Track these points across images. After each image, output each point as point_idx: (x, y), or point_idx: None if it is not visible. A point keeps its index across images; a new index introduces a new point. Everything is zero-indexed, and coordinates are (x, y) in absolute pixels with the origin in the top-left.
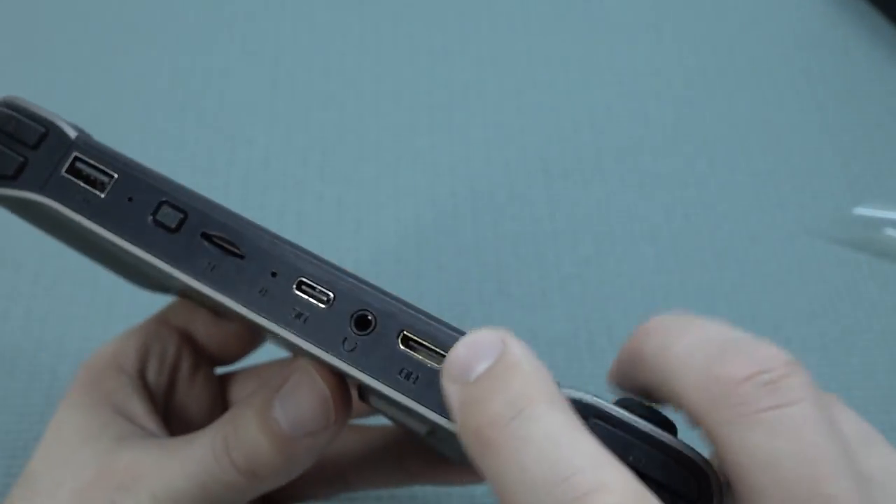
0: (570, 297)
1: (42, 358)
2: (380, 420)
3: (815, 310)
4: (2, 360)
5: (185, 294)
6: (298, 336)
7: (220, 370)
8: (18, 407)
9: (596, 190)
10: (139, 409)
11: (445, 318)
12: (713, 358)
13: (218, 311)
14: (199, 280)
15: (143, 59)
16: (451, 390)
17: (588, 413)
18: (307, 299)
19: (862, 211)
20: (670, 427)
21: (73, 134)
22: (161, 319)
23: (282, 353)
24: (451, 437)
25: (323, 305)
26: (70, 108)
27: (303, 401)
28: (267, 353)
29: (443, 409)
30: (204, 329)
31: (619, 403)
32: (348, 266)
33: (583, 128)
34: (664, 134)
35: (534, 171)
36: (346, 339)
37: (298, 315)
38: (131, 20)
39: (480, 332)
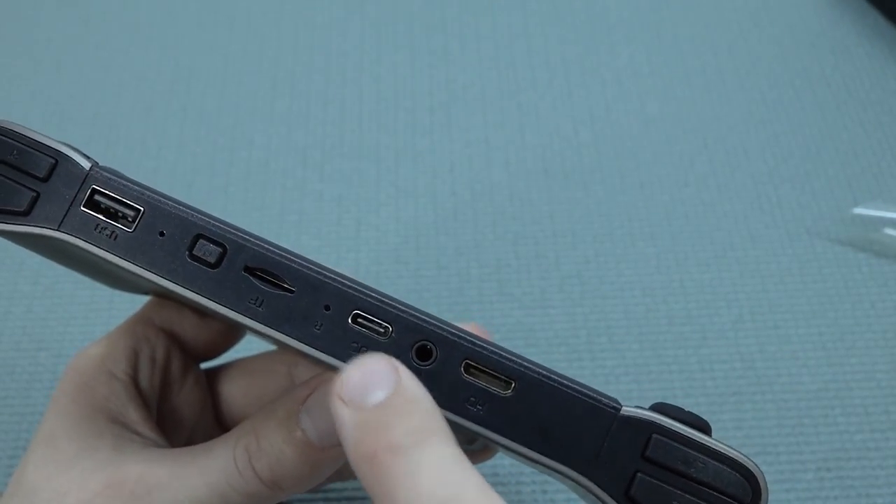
0: (570, 297)
1: (42, 358)
2: None
3: (815, 310)
4: (2, 360)
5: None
6: None
7: (203, 365)
8: (18, 407)
9: (596, 190)
10: (134, 416)
11: (445, 318)
12: None
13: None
14: (246, 316)
15: (143, 59)
16: (344, 412)
17: (650, 430)
18: (365, 332)
19: (862, 210)
20: (706, 427)
21: (86, 164)
22: (145, 320)
23: (264, 346)
24: (509, 450)
25: (381, 337)
26: (70, 109)
27: (332, 410)
28: (248, 345)
29: (512, 433)
30: (190, 328)
31: (659, 409)
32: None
33: (583, 128)
34: (664, 134)
35: (534, 171)
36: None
37: (358, 349)
38: (131, 20)
39: (373, 358)
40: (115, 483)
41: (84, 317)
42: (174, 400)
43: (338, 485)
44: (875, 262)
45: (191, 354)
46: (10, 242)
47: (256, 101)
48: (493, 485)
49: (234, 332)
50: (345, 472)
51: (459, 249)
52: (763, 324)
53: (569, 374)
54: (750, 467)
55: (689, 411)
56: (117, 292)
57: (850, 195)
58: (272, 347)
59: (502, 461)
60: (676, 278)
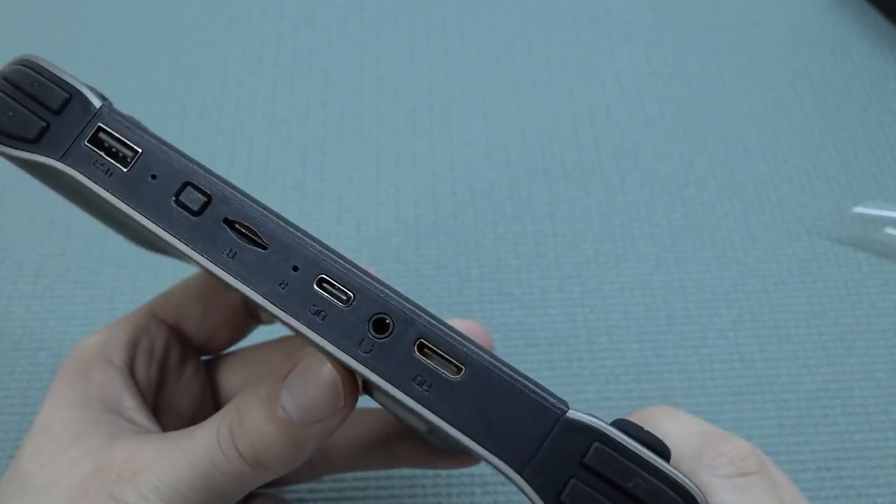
0: (570, 297)
1: (42, 358)
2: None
3: (815, 309)
4: (2, 360)
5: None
6: (315, 332)
7: (205, 357)
8: (19, 407)
9: (596, 190)
10: (130, 403)
11: (445, 318)
12: (706, 441)
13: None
14: (217, 266)
15: (143, 59)
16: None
17: (592, 437)
18: (327, 297)
19: (862, 210)
20: (664, 450)
21: (97, 103)
22: (149, 312)
23: (265, 337)
24: (448, 435)
25: (342, 304)
26: None
27: (311, 387)
28: (251, 340)
29: (453, 418)
30: (193, 322)
31: (617, 425)
32: None
33: (583, 128)
34: (664, 134)
35: (534, 171)
36: (363, 340)
37: (317, 311)
38: (131, 20)
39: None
40: (103, 466)
41: (84, 317)
42: (171, 391)
43: (337, 484)
44: (875, 262)
45: (193, 348)
46: (10, 244)
47: (256, 101)
48: (483, 494)
49: (240, 328)
50: (337, 464)
51: (459, 249)
52: (763, 324)
53: (569, 373)
54: (693, 492)
55: (648, 431)
56: (117, 292)
57: (850, 195)
58: (272, 337)
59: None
60: (676, 278)
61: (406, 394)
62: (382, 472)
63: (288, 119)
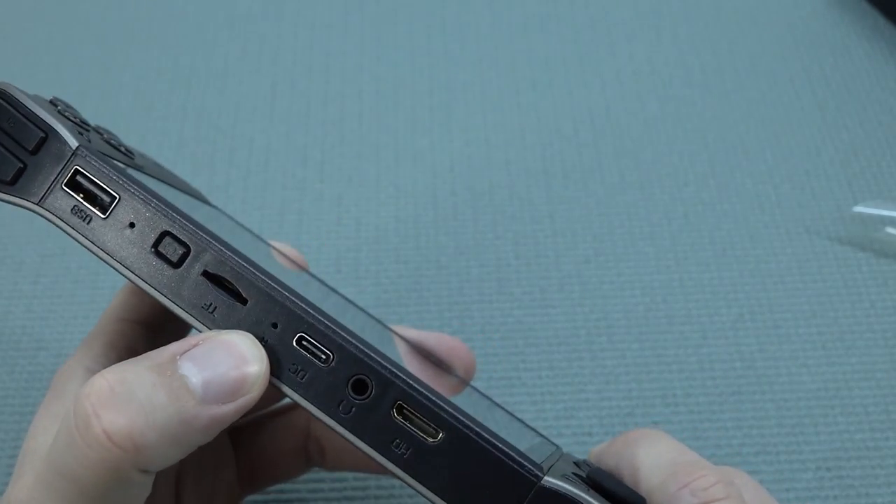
0: (570, 297)
1: (42, 358)
2: None
3: (815, 309)
4: (2, 360)
5: None
6: (296, 393)
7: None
8: (18, 407)
9: (596, 190)
10: None
11: (445, 318)
12: (671, 472)
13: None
14: (196, 318)
15: (143, 59)
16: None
17: None
18: (306, 356)
19: (862, 209)
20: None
21: (73, 144)
22: (115, 318)
23: None
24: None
25: (321, 364)
26: None
27: (225, 363)
28: None
29: (429, 482)
30: (161, 316)
31: (593, 477)
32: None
33: (583, 128)
34: (664, 134)
35: (534, 171)
36: (342, 401)
37: (296, 370)
38: (131, 20)
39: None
40: None
41: (84, 317)
42: None
43: (338, 484)
44: (875, 262)
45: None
46: (9, 242)
47: (256, 101)
48: None
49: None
50: (329, 460)
51: (459, 249)
52: (763, 323)
53: (569, 373)
54: None
55: (626, 486)
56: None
57: (849, 194)
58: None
59: None
60: (676, 278)
61: (385, 458)
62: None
63: (288, 119)
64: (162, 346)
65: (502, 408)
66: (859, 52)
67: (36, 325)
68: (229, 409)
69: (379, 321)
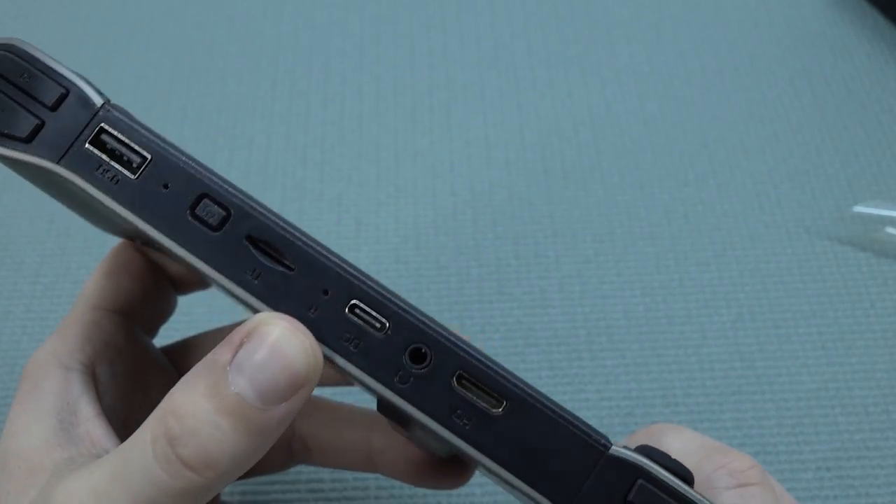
0: (570, 297)
1: None
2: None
3: (815, 309)
4: (2, 359)
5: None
6: (350, 363)
7: (169, 346)
8: None
9: (596, 190)
10: (87, 411)
11: (445, 318)
12: (705, 455)
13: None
14: (241, 287)
15: (143, 59)
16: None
17: (635, 474)
18: (360, 324)
19: (862, 209)
20: (690, 478)
21: (98, 100)
22: (92, 306)
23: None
24: (489, 471)
25: (376, 332)
26: None
27: (271, 361)
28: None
29: (495, 453)
30: (138, 304)
31: (646, 452)
32: None
33: (583, 128)
34: (664, 134)
35: (534, 171)
36: (400, 371)
37: (350, 339)
38: (131, 20)
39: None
40: None
41: None
42: (140, 384)
43: (338, 484)
44: (875, 262)
45: (143, 325)
46: (9, 242)
47: (256, 101)
48: (482, 494)
49: (169, 302)
50: (313, 456)
51: (459, 249)
52: (763, 323)
53: (569, 373)
54: None
55: (675, 459)
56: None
57: (849, 194)
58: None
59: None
60: (676, 278)
61: (447, 428)
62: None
63: (288, 119)
64: (138, 330)
65: None
66: (859, 52)
67: (36, 325)
68: (293, 405)
69: None
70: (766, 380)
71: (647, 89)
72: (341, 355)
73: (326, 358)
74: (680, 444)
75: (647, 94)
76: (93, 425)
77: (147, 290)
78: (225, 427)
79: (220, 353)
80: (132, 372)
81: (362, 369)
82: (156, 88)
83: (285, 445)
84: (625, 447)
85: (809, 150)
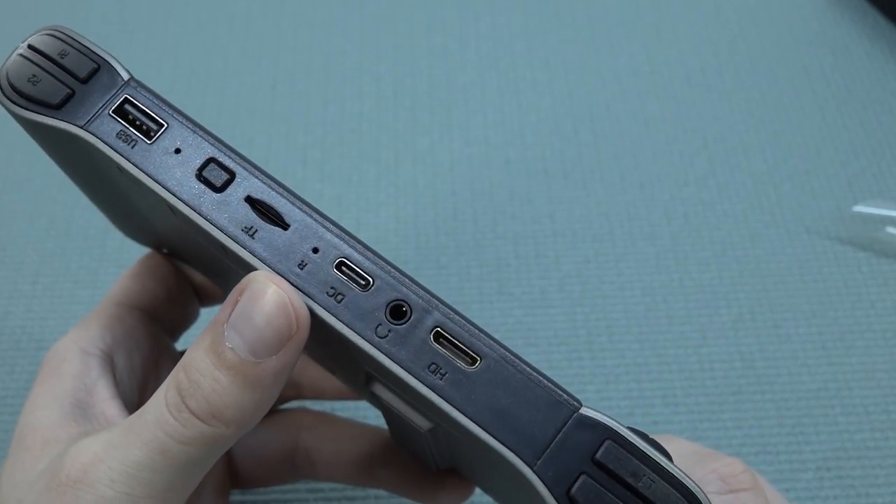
0: (570, 297)
1: (42, 358)
2: (356, 414)
3: (815, 309)
4: (2, 359)
5: (177, 251)
6: (329, 313)
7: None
8: (18, 407)
9: (596, 190)
10: (104, 393)
11: None
12: (697, 460)
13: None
14: (237, 243)
15: (143, 59)
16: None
17: (604, 435)
18: (345, 280)
19: (862, 209)
20: (668, 455)
21: (125, 75)
22: (116, 302)
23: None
24: (448, 437)
25: (360, 289)
26: None
27: (258, 317)
28: None
29: (465, 408)
30: (162, 306)
31: (629, 430)
32: None
33: (583, 128)
34: (664, 134)
35: (534, 171)
36: (379, 325)
37: (334, 294)
38: (131, 20)
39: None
40: (55, 476)
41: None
42: (157, 379)
43: (337, 484)
44: (875, 262)
45: (166, 328)
46: (9, 242)
47: (256, 101)
48: (482, 493)
49: (192, 311)
50: (318, 471)
51: (459, 249)
52: (763, 323)
53: (569, 373)
54: (698, 496)
55: (654, 439)
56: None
57: (849, 194)
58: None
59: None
60: (676, 278)
61: (420, 381)
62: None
63: (288, 119)
64: (159, 333)
65: None
66: (859, 51)
67: (36, 325)
68: (284, 358)
69: None
70: (766, 380)
71: (647, 89)
72: (325, 308)
73: (312, 311)
74: (672, 449)
75: (647, 94)
76: (108, 405)
77: (171, 294)
78: (224, 380)
79: (221, 312)
80: (150, 365)
81: (343, 321)
82: (156, 88)
83: (289, 459)
84: (598, 410)
85: (809, 150)
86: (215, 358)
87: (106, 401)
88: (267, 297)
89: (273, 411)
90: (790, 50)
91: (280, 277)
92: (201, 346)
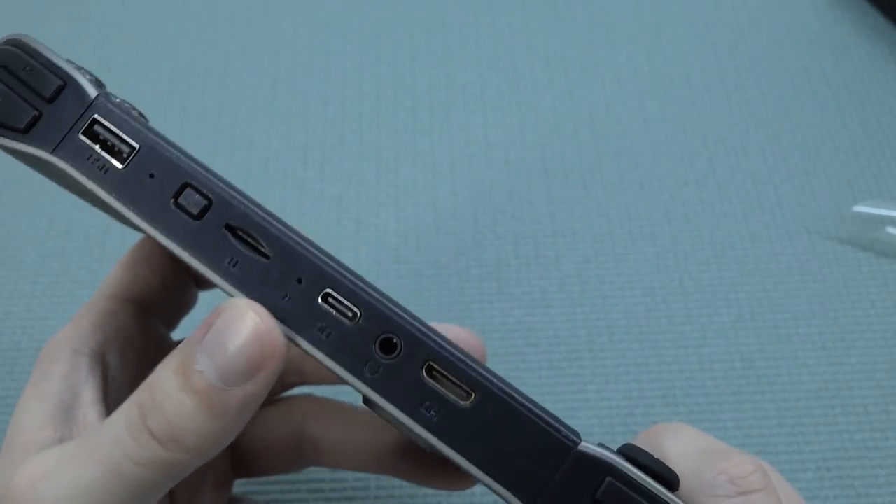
0: (570, 297)
1: None
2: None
3: (815, 309)
4: (2, 359)
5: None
6: (320, 351)
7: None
8: None
9: (596, 190)
10: (89, 395)
11: (445, 318)
12: (705, 459)
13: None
14: (218, 274)
15: (143, 59)
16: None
17: (604, 472)
18: (332, 313)
19: (862, 208)
20: (674, 479)
21: (93, 92)
22: (108, 294)
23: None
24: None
25: (348, 322)
26: None
27: (231, 343)
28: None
29: (461, 447)
30: (156, 295)
31: (625, 452)
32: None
33: (583, 128)
34: (664, 134)
35: (534, 171)
36: (369, 361)
37: (321, 329)
38: (131, 20)
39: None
40: (5, 488)
41: None
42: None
43: (338, 484)
44: (875, 262)
45: (160, 320)
46: (9, 241)
47: (256, 101)
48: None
49: (189, 296)
50: (324, 457)
51: (459, 249)
52: (763, 323)
53: (569, 373)
54: None
55: (658, 460)
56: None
57: (849, 194)
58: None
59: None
60: (676, 278)
61: (414, 420)
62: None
63: (288, 119)
64: (155, 322)
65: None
66: (859, 52)
67: (36, 325)
68: (253, 388)
69: None
70: (766, 380)
71: (647, 89)
72: (312, 344)
73: (298, 346)
74: (680, 446)
75: (647, 94)
76: (90, 409)
77: (166, 282)
78: (188, 404)
79: (195, 331)
80: (144, 361)
81: (332, 358)
82: (156, 88)
83: (295, 446)
84: (600, 444)
85: (809, 151)
86: (182, 380)
87: (89, 404)
88: (243, 323)
89: (278, 398)
90: (790, 50)
91: (260, 305)
92: (170, 365)
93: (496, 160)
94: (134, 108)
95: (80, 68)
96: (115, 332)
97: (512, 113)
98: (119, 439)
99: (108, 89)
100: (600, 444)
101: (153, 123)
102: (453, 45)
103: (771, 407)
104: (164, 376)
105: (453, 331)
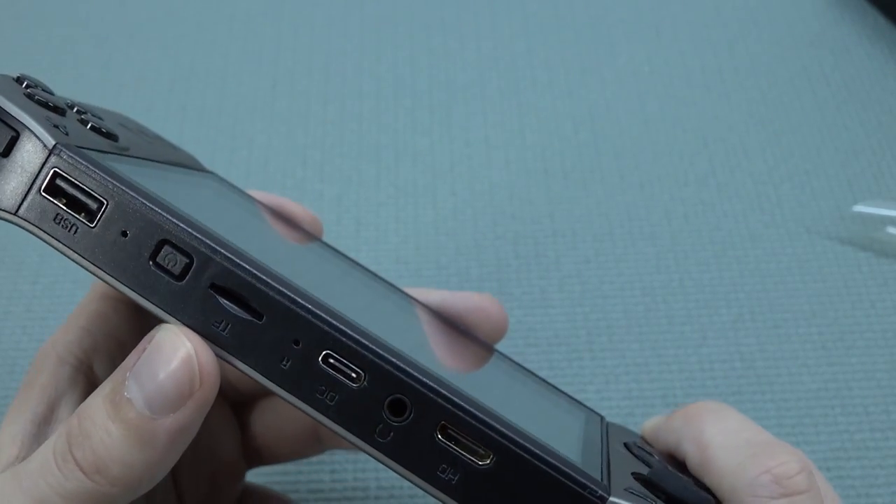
0: (570, 297)
1: None
2: None
3: (815, 309)
4: (2, 359)
5: None
6: (328, 419)
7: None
8: None
9: (596, 190)
10: (67, 409)
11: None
12: (750, 454)
13: None
14: (210, 341)
15: (143, 59)
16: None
17: None
18: (335, 376)
19: (862, 208)
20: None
21: (50, 142)
22: (100, 295)
23: None
24: None
25: (353, 384)
26: None
27: (159, 369)
28: None
29: None
30: None
31: (655, 477)
32: None
33: (583, 128)
34: (664, 134)
35: (534, 171)
36: (380, 425)
37: (325, 393)
38: (131, 20)
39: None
40: None
41: None
42: None
43: (338, 484)
44: (875, 262)
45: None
46: (9, 241)
47: (256, 101)
48: None
49: None
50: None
51: (459, 249)
52: (763, 323)
53: (569, 373)
54: None
55: (692, 488)
56: None
57: (850, 194)
58: None
59: None
60: (676, 278)
61: (432, 485)
62: (383, 473)
63: (288, 119)
64: (148, 326)
65: (534, 375)
66: (859, 52)
67: (36, 325)
68: (183, 417)
69: (397, 288)
70: (766, 380)
71: (647, 89)
72: (318, 410)
73: (307, 414)
74: (722, 436)
75: (647, 94)
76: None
77: None
78: (115, 433)
79: (128, 358)
80: None
81: (340, 425)
82: (156, 88)
83: (312, 432)
84: (628, 489)
85: (809, 150)
86: (111, 408)
87: (62, 420)
88: (175, 349)
89: None
90: (790, 50)
91: (191, 331)
92: (101, 392)
93: (496, 160)
94: (102, 125)
95: (34, 98)
96: (105, 336)
97: (512, 113)
98: (45, 469)
99: (110, 100)
100: (630, 492)
101: (153, 124)
102: (453, 45)
103: (771, 407)
104: (94, 404)
105: (470, 298)
